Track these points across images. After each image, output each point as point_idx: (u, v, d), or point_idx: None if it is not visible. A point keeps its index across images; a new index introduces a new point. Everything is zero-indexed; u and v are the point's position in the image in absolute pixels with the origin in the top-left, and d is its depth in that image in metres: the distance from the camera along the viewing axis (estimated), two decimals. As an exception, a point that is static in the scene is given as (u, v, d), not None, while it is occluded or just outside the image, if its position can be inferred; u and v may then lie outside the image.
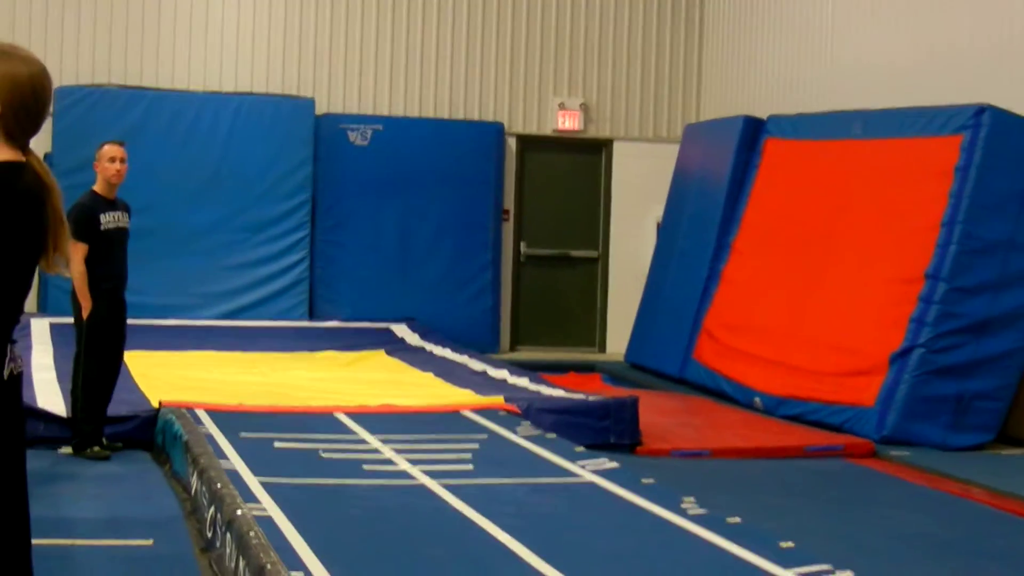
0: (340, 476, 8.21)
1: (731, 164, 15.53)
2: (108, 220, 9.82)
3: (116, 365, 9.99)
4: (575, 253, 18.51)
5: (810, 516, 8.93)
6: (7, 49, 4.14)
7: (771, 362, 13.58)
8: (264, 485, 7.66)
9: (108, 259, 9.80)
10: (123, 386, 10.46)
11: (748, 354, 14.06)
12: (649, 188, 17.99)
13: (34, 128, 4.17)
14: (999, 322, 12.00)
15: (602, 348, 18.38)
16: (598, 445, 10.46)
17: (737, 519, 7.25)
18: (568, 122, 18.24)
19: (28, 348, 13.07)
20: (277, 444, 9.12)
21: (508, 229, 18.09)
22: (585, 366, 16.69)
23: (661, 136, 18.49)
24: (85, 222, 9.63)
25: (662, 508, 7.48)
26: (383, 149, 17.35)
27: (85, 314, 9.67)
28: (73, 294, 9.75)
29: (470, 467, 8.62)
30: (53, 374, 11.88)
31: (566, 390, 12.15)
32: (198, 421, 9.61)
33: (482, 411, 10.81)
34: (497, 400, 11.22)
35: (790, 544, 6.69)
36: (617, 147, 18.48)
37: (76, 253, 9.49)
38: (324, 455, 8.82)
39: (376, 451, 9.05)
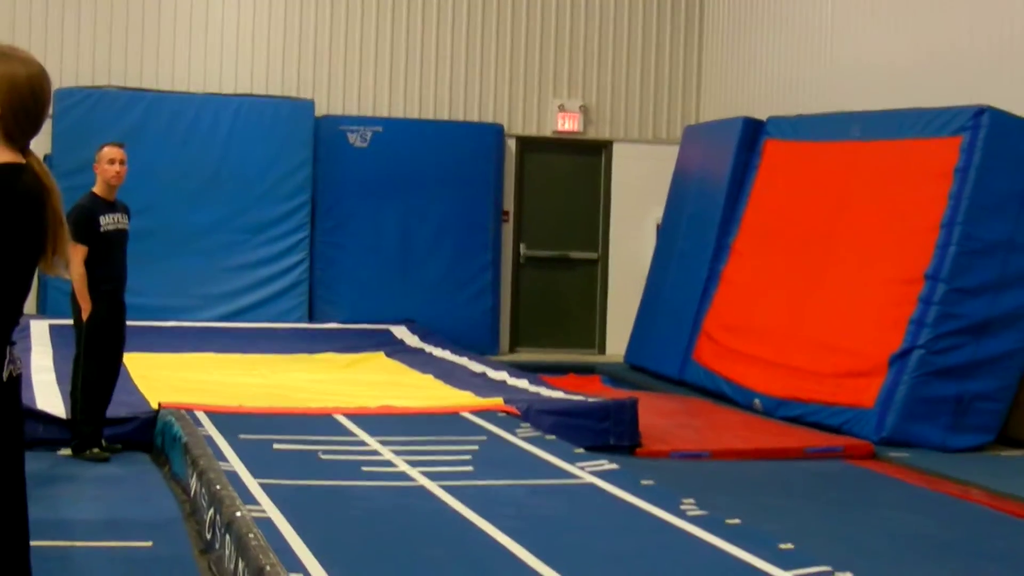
0: (339, 478, 8.21)
1: (730, 165, 15.54)
2: (108, 222, 9.82)
3: (115, 367, 9.99)
4: (575, 254, 18.51)
5: (810, 517, 8.93)
6: (6, 51, 4.14)
7: (771, 363, 13.58)
8: (263, 486, 7.66)
9: (108, 261, 9.80)
10: (122, 388, 10.46)
11: (748, 355, 14.06)
12: (649, 189, 17.99)
13: (33, 129, 4.16)
14: (999, 323, 12.00)
15: (602, 350, 18.38)
16: (598, 447, 10.45)
17: (737, 520, 7.25)
18: (568, 124, 18.24)
19: (28, 350, 13.08)
20: (276, 446, 9.12)
21: (508, 231, 18.09)
22: (585, 368, 16.69)
23: (661, 137, 18.50)
24: (85, 224, 9.63)
25: (661, 510, 7.47)
26: (383, 151, 17.35)
27: (85, 316, 9.67)
28: (73, 296, 9.74)
29: (470, 468, 8.62)
30: (52, 376, 11.88)
31: (566, 392, 12.15)
32: (197, 423, 9.61)
33: (481, 413, 10.81)
34: (497, 402, 11.22)
35: (790, 546, 6.69)
36: (617, 148, 18.49)
37: (76, 255, 9.49)
38: (323, 457, 8.82)
39: (375, 452, 9.05)
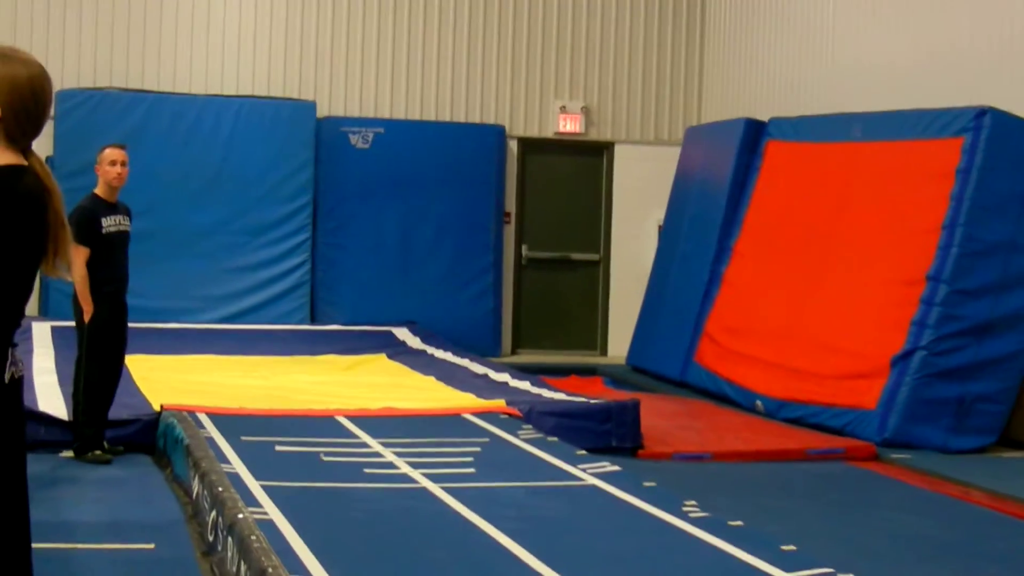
0: (341, 479, 8.21)
1: (732, 167, 15.53)
2: (109, 223, 9.82)
3: (117, 369, 9.99)
4: (576, 256, 18.51)
5: (811, 519, 8.93)
6: (6, 52, 4.14)
7: (772, 365, 13.58)
8: (265, 488, 7.66)
9: (109, 262, 9.80)
10: (124, 390, 10.45)
11: (749, 357, 14.05)
12: (650, 191, 18.00)
13: (35, 130, 4.16)
14: (1000, 324, 12.00)
15: (603, 351, 18.38)
16: (599, 448, 10.45)
17: (739, 522, 7.25)
18: (569, 125, 18.24)
19: (29, 352, 13.07)
20: (278, 448, 9.12)
21: (509, 232, 18.09)
22: (586, 369, 16.69)
23: (662, 139, 18.50)
24: (86, 225, 9.63)
25: (663, 511, 7.47)
26: (384, 152, 17.35)
27: (87, 317, 9.67)
28: (74, 297, 9.75)
29: (471, 470, 8.61)
30: (54, 378, 11.87)
31: (567, 393, 12.15)
32: (199, 425, 9.61)
33: (483, 414, 10.81)
34: (498, 403, 11.22)
35: (792, 547, 6.69)
36: (618, 150, 18.48)
37: (78, 257, 9.49)
38: (325, 458, 8.81)
39: (377, 454, 9.05)
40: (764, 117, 15.77)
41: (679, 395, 14.66)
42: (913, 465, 10.96)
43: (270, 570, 5.75)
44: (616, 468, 8.79)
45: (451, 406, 11.32)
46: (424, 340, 15.91)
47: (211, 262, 16.76)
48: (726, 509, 7.84)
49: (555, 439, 9.97)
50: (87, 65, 16.82)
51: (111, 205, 9.91)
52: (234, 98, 17.10)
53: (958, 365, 11.89)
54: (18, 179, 4.04)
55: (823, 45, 15.81)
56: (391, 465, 8.69)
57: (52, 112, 4.20)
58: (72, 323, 9.96)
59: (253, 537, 6.21)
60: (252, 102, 17.10)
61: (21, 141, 4.13)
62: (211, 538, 7.17)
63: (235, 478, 7.79)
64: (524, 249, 18.25)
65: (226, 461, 8.36)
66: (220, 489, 7.30)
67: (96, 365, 9.75)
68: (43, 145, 15.24)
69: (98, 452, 9.76)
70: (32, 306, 15.31)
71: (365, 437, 9.66)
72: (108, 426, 9.96)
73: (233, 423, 9.87)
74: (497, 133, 17.85)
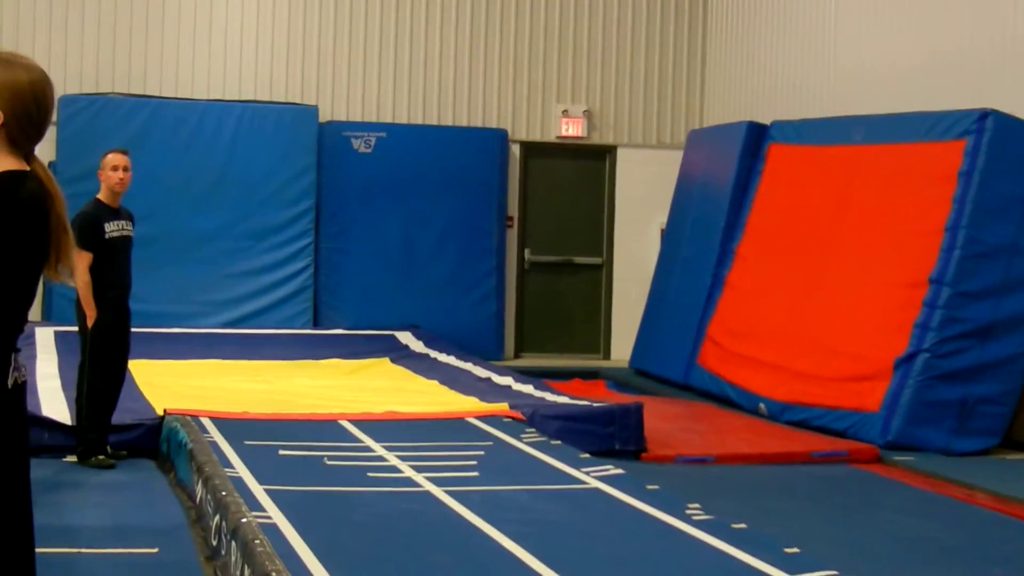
0: (345, 483, 8.21)
1: (735, 170, 15.54)
2: (112, 228, 9.83)
3: (120, 373, 10.00)
4: (579, 260, 18.51)
5: (815, 521, 8.93)
6: (7, 57, 4.14)
7: (775, 368, 13.57)
8: (269, 493, 7.66)
9: (112, 267, 9.81)
10: (127, 394, 10.46)
11: (752, 360, 14.05)
12: (653, 194, 18.00)
13: (37, 135, 4.17)
14: (1003, 326, 12.00)
15: (606, 354, 18.38)
16: (603, 452, 10.45)
17: (742, 525, 7.25)
18: (572, 129, 18.25)
19: (33, 357, 13.09)
20: (282, 452, 9.12)
21: (512, 236, 18.10)
22: (589, 372, 16.69)
23: (665, 142, 18.50)
24: (89, 230, 9.65)
25: (667, 514, 7.47)
26: (387, 156, 17.36)
27: (90, 322, 9.68)
28: (78, 303, 9.75)
29: (475, 474, 8.61)
30: (58, 382, 11.88)
31: (571, 397, 12.15)
32: (203, 429, 9.61)
33: (487, 418, 10.81)
34: (502, 407, 11.22)
35: (795, 550, 6.68)
36: (621, 153, 18.49)
37: (81, 262, 9.50)
38: (328, 462, 8.82)
39: (381, 458, 9.05)
40: (766, 120, 15.77)
41: (682, 398, 14.66)
42: (916, 467, 10.96)
43: (274, 574, 5.75)
44: (619, 471, 8.79)
45: (454, 410, 11.32)
46: (427, 344, 15.91)
47: (214, 267, 16.77)
48: (729, 512, 7.84)
49: (558, 442, 9.97)
50: (89, 70, 16.84)
51: (114, 210, 9.93)
52: (236, 103, 17.12)
53: (961, 367, 11.88)
54: (21, 184, 4.04)
55: (825, 48, 15.81)
56: (394, 469, 8.69)
57: (54, 117, 4.20)
58: (75, 328, 9.97)
59: (257, 541, 6.21)
60: (254, 107, 17.11)
61: (24, 146, 4.13)
62: (215, 542, 7.17)
63: (238, 482, 7.79)
64: (527, 253, 18.26)
65: (229, 465, 8.36)
66: (223, 493, 7.31)
67: (99, 370, 9.76)
68: (46, 150, 15.26)
69: (101, 457, 9.77)
70: (35, 311, 15.32)
71: (368, 441, 9.66)
72: (111, 431, 9.97)
73: (236, 427, 9.87)
74: (499, 137, 17.86)
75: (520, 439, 9.92)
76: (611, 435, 10.96)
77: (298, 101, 17.40)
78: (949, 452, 11.63)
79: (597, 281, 18.53)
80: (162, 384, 12.19)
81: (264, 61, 17.44)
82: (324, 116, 17.38)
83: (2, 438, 4.06)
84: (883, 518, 9.10)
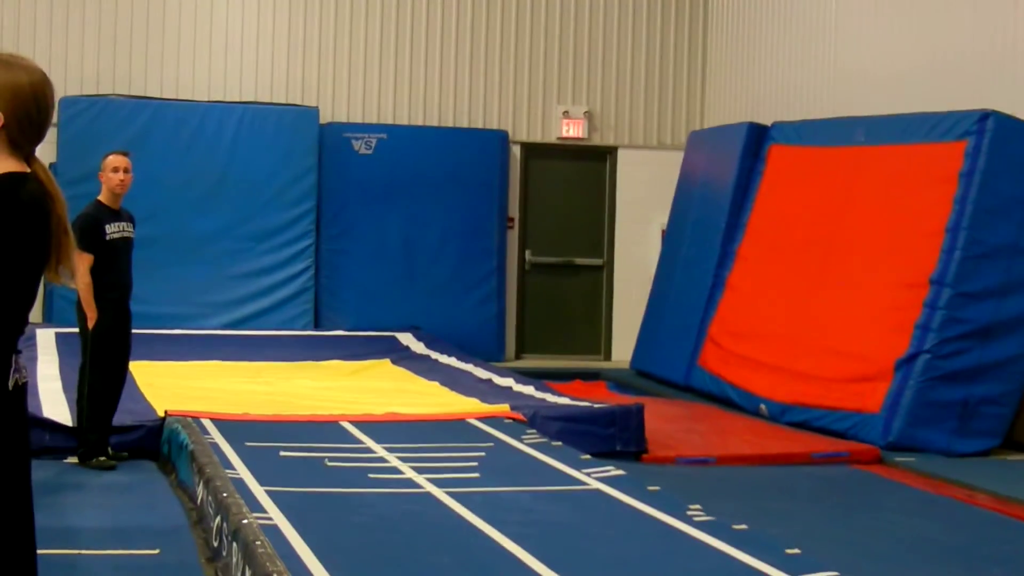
0: (346, 485, 8.21)
1: (735, 171, 15.54)
2: (113, 230, 9.83)
3: (121, 375, 10.01)
4: (580, 261, 18.51)
5: (816, 522, 8.93)
6: (8, 59, 4.14)
7: (776, 369, 13.57)
8: (270, 494, 7.66)
9: (113, 269, 9.81)
10: (128, 396, 10.46)
11: (753, 361, 14.05)
12: (653, 195, 18.01)
13: (38, 137, 4.17)
14: (1004, 327, 12.00)
15: (607, 356, 18.38)
16: (604, 453, 10.45)
17: (743, 526, 7.25)
18: (572, 130, 18.25)
19: (34, 358, 13.09)
20: (282, 453, 9.12)
21: (513, 237, 18.10)
22: (590, 374, 16.68)
23: (665, 143, 18.50)
24: (90, 232, 9.65)
25: (668, 515, 7.47)
26: (387, 157, 17.37)
27: (91, 324, 9.68)
28: (78, 304, 9.75)
29: (476, 475, 8.61)
30: (59, 384, 11.89)
31: (571, 398, 12.15)
32: (204, 430, 9.61)
33: (488, 419, 10.81)
34: (503, 408, 11.22)
35: (796, 551, 6.68)
36: (621, 154, 18.49)
37: (81, 263, 9.50)
38: (329, 464, 8.82)
39: (382, 460, 9.05)
40: (767, 121, 15.78)
41: (683, 399, 14.66)
42: (917, 468, 10.96)
43: (274, 575, 5.75)
44: (620, 472, 8.78)
45: (455, 411, 11.32)
46: (428, 345, 15.92)
47: (215, 268, 16.77)
48: (730, 513, 7.84)
49: (559, 443, 9.97)
50: (90, 72, 16.85)
51: (115, 212, 9.93)
52: (237, 104, 17.12)
53: (962, 368, 11.88)
54: (21, 186, 4.04)
55: (826, 49, 15.81)
56: (395, 470, 8.69)
57: (55, 119, 4.20)
58: (76, 329, 9.98)
59: (258, 542, 6.21)
60: (255, 108, 17.12)
61: (24, 148, 4.13)
62: (216, 543, 7.17)
63: (239, 483, 7.79)
64: (527, 254, 18.26)
65: (230, 467, 8.36)
66: (224, 494, 7.31)
67: (100, 371, 9.76)
68: (47, 152, 15.26)
69: (102, 458, 9.77)
70: (36, 312, 15.33)
71: (369, 442, 9.66)
72: (112, 432, 9.97)
73: (237, 429, 9.87)
74: (500, 138, 17.86)
75: (521, 440, 9.91)
76: (612, 436, 10.96)
77: (299, 102, 17.40)
78: (950, 453, 11.63)
79: (598, 282, 18.53)
80: (163, 385, 12.20)
81: (265, 62, 17.44)
82: (325, 117, 17.38)
83: (3, 440, 4.06)
84: (884, 519, 9.10)
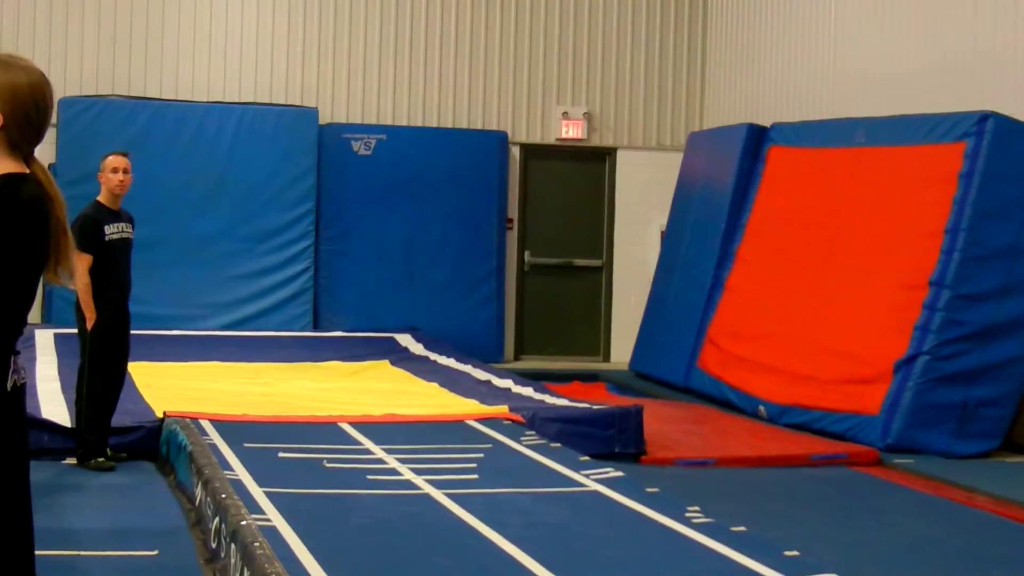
0: (344, 486, 8.21)
1: (735, 172, 15.54)
2: (112, 231, 9.83)
3: (120, 376, 10.00)
4: (579, 262, 18.51)
5: (815, 524, 8.92)
6: (7, 59, 4.14)
7: (775, 370, 13.57)
8: (268, 495, 7.66)
9: (112, 270, 9.80)
10: (127, 397, 10.46)
11: (752, 362, 14.05)
12: (653, 196, 18.01)
13: (37, 137, 4.16)
14: (1003, 329, 12.00)
15: (606, 357, 18.38)
16: (603, 454, 10.45)
17: (742, 528, 7.25)
18: (572, 131, 18.25)
19: (33, 359, 13.09)
20: (281, 454, 9.12)
21: (512, 238, 18.10)
22: (589, 375, 16.68)
23: (665, 144, 18.50)
24: (89, 233, 9.64)
25: (667, 517, 7.47)
26: (386, 158, 17.37)
27: (89, 325, 9.68)
28: (77, 305, 9.75)
29: (475, 477, 8.61)
30: (57, 385, 11.88)
31: (570, 399, 12.15)
32: (202, 432, 9.61)
33: (486, 420, 10.81)
34: (501, 410, 11.22)
35: (795, 552, 6.68)
36: (621, 155, 18.49)
37: (80, 264, 9.50)
38: (328, 465, 8.82)
39: (380, 461, 9.05)
40: (766, 122, 15.78)
41: (682, 401, 14.65)
42: (916, 470, 10.95)
43: (273, 577, 5.76)
44: (619, 474, 8.79)
45: (454, 412, 11.32)
46: (427, 346, 15.91)
47: (214, 269, 16.77)
48: (729, 515, 7.84)
49: (558, 445, 9.97)
50: (89, 72, 16.85)
51: (114, 212, 9.93)
52: (236, 105, 17.12)
53: (961, 370, 11.89)
54: (20, 187, 4.04)
55: (825, 50, 15.82)
56: (394, 471, 8.69)
57: (54, 119, 4.20)
58: (75, 330, 9.97)
59: (256, 544, 6.21)
60: (254, 109, 17.12)
61: (23, 148, 4.13)
62: (214, 545, 7.17)
63: (238, 485, 7.79)
64: (527, 255, 18.26)
65: (229, 468, 8.36)
66: (223, 496, 7.30)
67: (99, 372, 9.76)
68: (46, 153, 15.26)
69: (101, 459, 9.76)
70: (35, 313, 15.32)
71: (368, 444, 9.66)
72: (111, 433, 9.96)
73: (236, 430, 9.87)
74: (499, 139, 17.86)
75: (520, 442, 9.91)
76: (611, 438, 10.96)
77: (298, 103, 17.40)
78: (949, 455, 11.63)
79: (597, 283, 18.53)
80: (162, 386, 12.19)
81: (264, 63, 17.44)
82: (324, 118, 17.38)
83: (2, 441, 4.06)
84: (883, 521, 9.09)
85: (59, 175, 15.24)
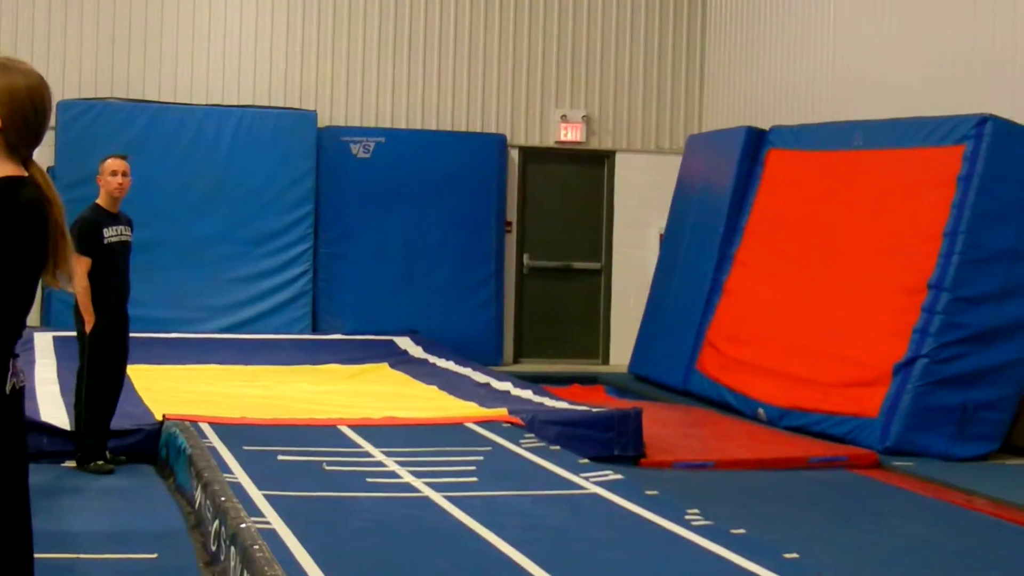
0: (344, 489, 8.20)
1: (733, 175, 15.54)
2: (111, 234, 9.82)
3: (119, 379, 9.99)
4: (578, 265, 18.51)
5: (814, 527, 8.92)
6: (4, 62, 4.14)
7: (774, 373, 13.57)
8: (268, 498, 7.65)
9: (111, 273, 9.80)
10: (126, 400, 10.45)
11: (751, 365, 14.05)
12: (651, 199, 18.01)
13: (35, 140, 4.17)
14: (1002, 332, 12.00)
15: (605, 360, 18.37)
16: (602, 457, 10.44)
17: (741, 530, 7.25)
18: (570, 134, 18.25)
19: (32, 362, 13.08)
20: (281, 457, 9.12)
21: (511, 241, 18.09)
22: (588, 378, 16.67)
23: (663, 147, 18.50)
24: (88, 235, 9.64)
25: (666, 519, 7.47)
26: (385, 161, 17.37)
27: (88, 328, 9.68)
28: (76, 308, 9.75)
29: (474, 479, 8.61)
30: (56, 388, 11.88)
31: (569, 402, 12.15)
32: (202, 434, 9.61)
33: (486, 423, 10.80)
34: (501, 412, 11.22)
35: (794, 555, 6.68)
36: (619, 158, 18.49)
37: (79, 267, 9.50)
38: (327, 468, 8.81)
39: (380, 464, 9.05)
40: (765, 125, 15.78)
41: (681, 403, 14.66)
42: (915, 473, 10.95)
43: (272, 580, 5.75)
44: (618, 476, 8.79)
45: (453, 415, 11.32)
46: (426, 349, 15.91)
47: (213, 272, 16.77)
48: (728, 517, 7.84)
49: (557, 448, 9.97)
50: (88, 75, 16.85)
51: (113, 215, 9.92)
52: (235, 108, 17.12)
53: (960, 373, 11.89)
54: (19, 190, 4.04)
55: (824, 53, 15.82)
56: (393, 474, 8.68)
57: (52, 122, 4.20)
58: (74, 333, 9.97)
59: (256, 547, 6.21)
60: (253, 112, 17.12)
61: (22, 151, 4.14)
62: (214, 548, 7.17)
63: (237, 488, 7.78)
64: (525, 258, 18.26)
65: (228, 471, 8.36)
66: (223, 499, 7.30)
67: (98, 375, 9.75)
68: (45, 155, 15.25)
69: (100, 462, 9.76)
70: (34, 316, 15.31)
71: (367, 446, 9.66)
72: (110, 436, 9.96)
73: (235, 433, 9.87)
74: (498, 142, 17.87)
75: (519, 444, 9.91)
76: (610, 440, 10.95)
77: (297, 106, 17.40)
78: (948, 457, 11.62)
79: (596, 286, 18.53)
80: (161, 389, 12.18)
81: (263, 66, 17.44)
82: (323, 121, 17.38)
83: (1, 444, 4.06)
84: (882, 523, 9.09)
85: (58, 178, 15.23)
